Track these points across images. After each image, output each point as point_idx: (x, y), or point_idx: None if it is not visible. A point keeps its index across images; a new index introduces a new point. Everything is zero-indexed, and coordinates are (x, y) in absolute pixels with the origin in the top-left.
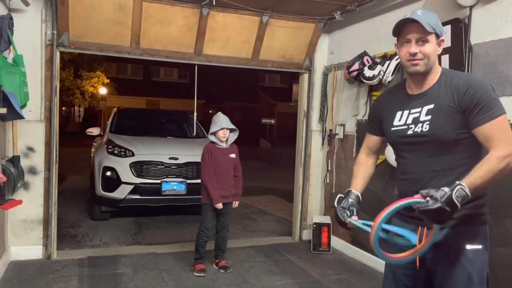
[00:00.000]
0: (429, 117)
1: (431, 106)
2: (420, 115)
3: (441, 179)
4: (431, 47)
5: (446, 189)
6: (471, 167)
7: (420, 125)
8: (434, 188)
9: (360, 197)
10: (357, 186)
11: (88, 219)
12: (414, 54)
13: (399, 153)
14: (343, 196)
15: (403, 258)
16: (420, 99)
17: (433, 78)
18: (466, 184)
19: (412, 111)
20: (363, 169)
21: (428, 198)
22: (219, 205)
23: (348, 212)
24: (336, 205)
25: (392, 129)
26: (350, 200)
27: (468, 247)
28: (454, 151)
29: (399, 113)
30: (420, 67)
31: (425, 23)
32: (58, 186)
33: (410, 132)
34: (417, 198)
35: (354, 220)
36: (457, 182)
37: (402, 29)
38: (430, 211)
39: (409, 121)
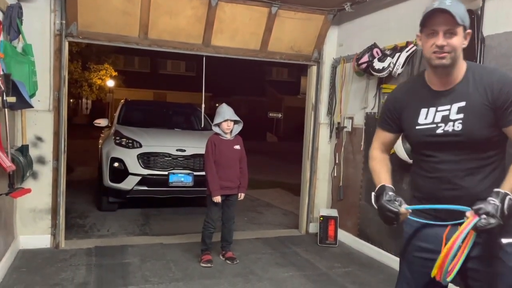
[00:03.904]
0: (460, 115)
1: (462, 103)
2: (450, 113)
3: (473, 177)
4: (459, 40)
5: (496, 201)
6: (500, 164)
7: (451, 123)
8: (482, 201)
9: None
10: (387, 181)
11: (96, 209)
12: (442, 47)
13: (424, 151)
14: (377, 193)
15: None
16: (448, 95)
17: (459, 73)
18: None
19: (440, 108)
20: (385, 165)
21: (484, 216)
22: (217, 199)
23: (397, 202)
24: (376, 203)
25: (417, 127)
26: (390, 193)
27: (504, 241)
28: (485, 149)
29: (424, 111)
30: (446, 60)
31: (455, 14)
32: (66, 177)
33: (439, 131)
34: (470, 215)
35: (406, 207)
36: (503, 191)
37: (429, 19)
38: (491, 229)
39: (438, 119)
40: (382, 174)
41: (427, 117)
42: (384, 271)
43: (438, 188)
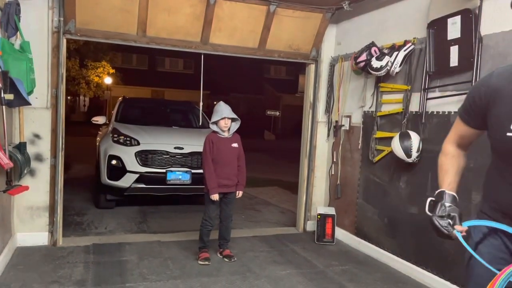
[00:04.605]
0: None
1: None
2: None
3: None
4: None
5: None
6: None
7: None
8: None
9: (457, 198)
10: (452, 185)
11: (94, 207)
12: None
13: (510, 160)
14: (434, 199)
15: None
16: None
17: None
18: None
19: None
20: (456, 162)
21: None
22: (215, 197)
23: (450, 221)
24: (430, 214)
25: (509, 134)
26: (447, 204)
27: None
28: None
29: None
30: None
31: None
32: (64, 174)
33: None
34: None
35: (459, 231)
36: None
37: None
38: None
39: None
40: (448, 175)
41: None
42: (382, 269)
43: None
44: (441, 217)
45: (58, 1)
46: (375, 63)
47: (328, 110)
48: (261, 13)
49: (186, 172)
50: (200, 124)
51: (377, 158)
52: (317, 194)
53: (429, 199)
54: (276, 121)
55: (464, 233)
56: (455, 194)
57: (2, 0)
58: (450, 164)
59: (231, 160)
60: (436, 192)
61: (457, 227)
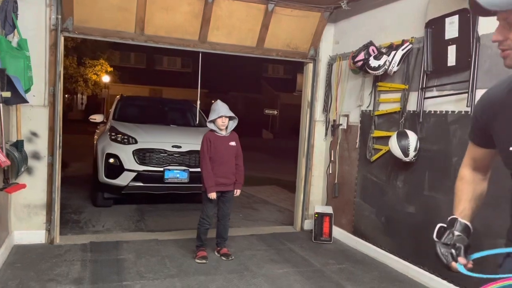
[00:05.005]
0: None
1: None
2: None
3: None
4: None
5: None
6: None
7: None
8: None
9: (471, 228)
10: (464, 212)
11: (91, 205)
12: (496, 41)
13: None
14: (445, 226)
15: None
16: None
17: None
18: None
19: None
20: (471, 188)
21: None
22: (212, 195)
23: (453, 251)
24: (436, 240)
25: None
26: (456, 233)
27: None
28: None
29: None
30: (510, 61)
31: None
32: (61, 172)
33: None
34: None
35: (462, 263)
36: None
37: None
38: None
39: None
40: (461, 201)
41: None
42: (378, 268)
43: None
44: (446, 245)
45: None
46: (373, 62)
47: (326, 109)
48: (259, 11)
49: (184, 170)
50: (198, 122)
51: (374, 157)
52: (315, 193)
53: (438, 225)
54: (274, 120)
55: (470, 265)
56: (468, 224)
57: None
58: (464, 190)
59: (228, 159)
60: (448, 218)
61: (461, 259)
